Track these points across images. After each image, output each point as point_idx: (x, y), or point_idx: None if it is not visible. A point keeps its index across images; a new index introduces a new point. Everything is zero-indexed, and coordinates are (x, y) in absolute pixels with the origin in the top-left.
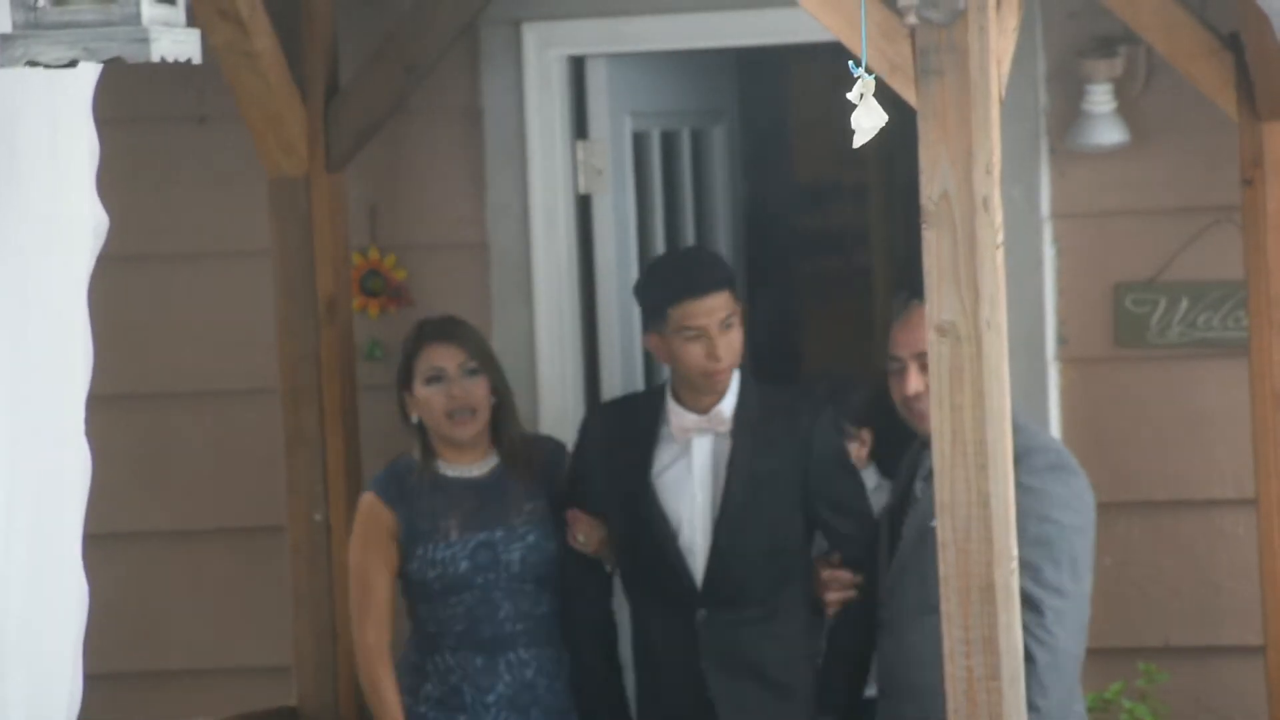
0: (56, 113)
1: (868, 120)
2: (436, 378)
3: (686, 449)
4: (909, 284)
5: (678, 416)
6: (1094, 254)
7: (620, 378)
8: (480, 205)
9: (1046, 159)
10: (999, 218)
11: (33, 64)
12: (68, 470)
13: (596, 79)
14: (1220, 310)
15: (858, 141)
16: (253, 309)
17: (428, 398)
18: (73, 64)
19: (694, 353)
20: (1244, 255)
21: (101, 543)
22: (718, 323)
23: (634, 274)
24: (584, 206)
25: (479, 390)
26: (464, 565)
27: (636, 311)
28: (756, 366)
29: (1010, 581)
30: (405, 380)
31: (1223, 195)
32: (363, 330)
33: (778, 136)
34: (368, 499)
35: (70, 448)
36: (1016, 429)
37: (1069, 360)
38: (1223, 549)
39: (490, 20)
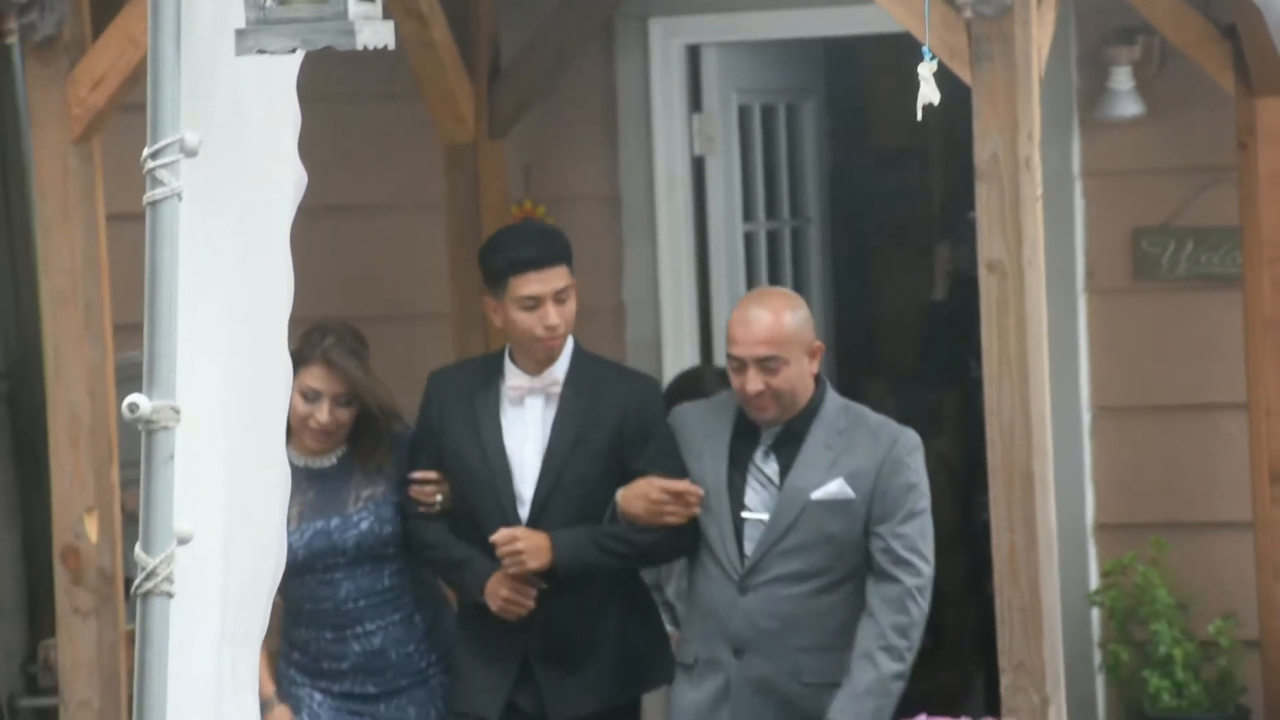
0: (269, 90)
1: (930, 96)
2: (310, 398)
3: (521, 406)
4: (950, 232)
5: (513, 376)
6: (1116, 205)
7: (727, 307)
8: (614, 165)
9: (1078, 127)
10: (1038, 175)
11: (261, 52)
12: (274, 376)
13: (709, 63)
14: (1219, 251)
15: (920, 114)
16: (428, 250)
17: (295, 405)
18: (293, 52)
19: (530, 321)
20: (1239, 206)
21: None
22: (553, 294)
23: (740, 222)
24: (699, 167)
25: (345, 417)
26: (301, 554)
27: (743, 251)
28: (839, 296)
29: (1046, 472)
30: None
31: (1222, 157)
32: None
33: (856, 110)
34: None
35: (276, 357)
36: (867, 415)
37: (1095, 292)
38: (1219, 444)
39: (623, 15)
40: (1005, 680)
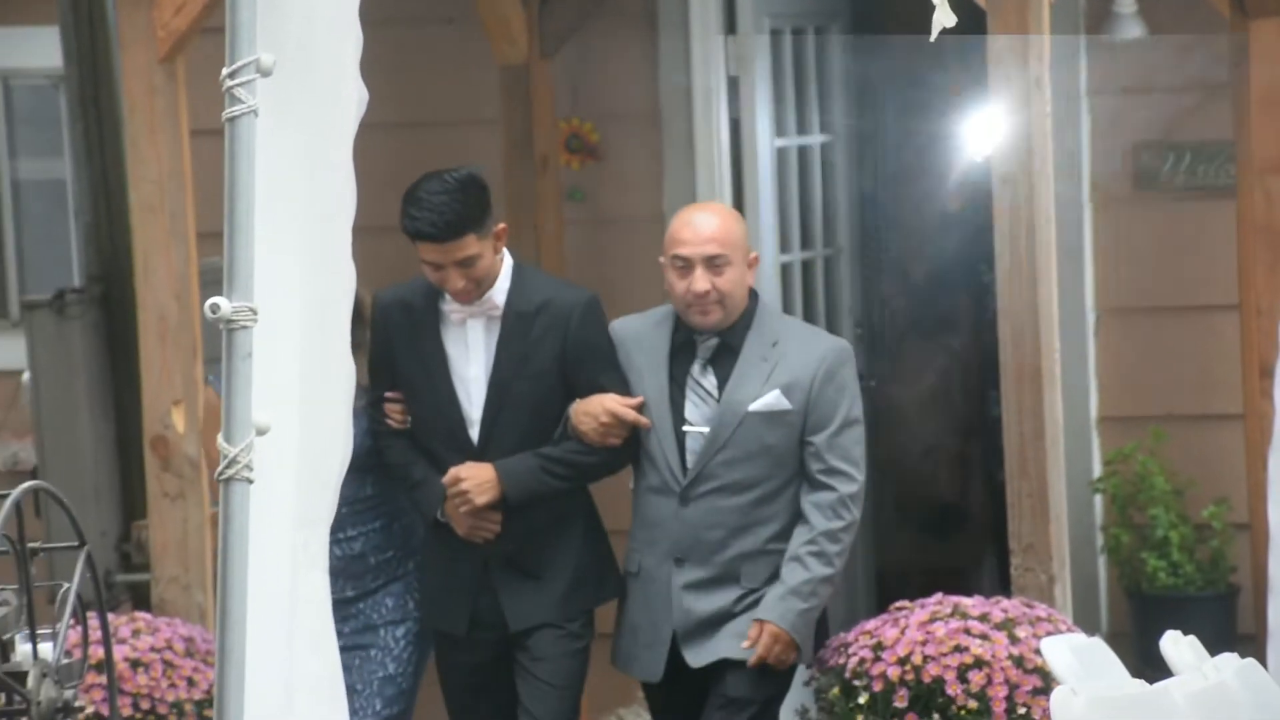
0: (336, 15)
1: (945, 21)
2: None
3: (463, 328)
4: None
5: (451, 300)
6: (1119, 120)
7: (760, 219)
8: (655, 84)
9: (1085, 48)
10: (1048, 92)
11: None
12: (340, 280)
13: None
14: (1215, 163)
15: (934, 35)
16: (482, 163)
17: None
18: None
19: (436, 278)
20: (1233, 122)
21: None
22: (454, 262)
23: (774, 139)
24: (733, 85)
25: None
26: None
27: (775, 165)
28: (863, 206)
29: (1053, 369)
30: None
31: (1217, 76)
32: (567, 179)
33: (878, 30)
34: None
35: (342, 263)
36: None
37: (1100, 201)
38: (1214, 341)
39: None
40: (1015, 561)
